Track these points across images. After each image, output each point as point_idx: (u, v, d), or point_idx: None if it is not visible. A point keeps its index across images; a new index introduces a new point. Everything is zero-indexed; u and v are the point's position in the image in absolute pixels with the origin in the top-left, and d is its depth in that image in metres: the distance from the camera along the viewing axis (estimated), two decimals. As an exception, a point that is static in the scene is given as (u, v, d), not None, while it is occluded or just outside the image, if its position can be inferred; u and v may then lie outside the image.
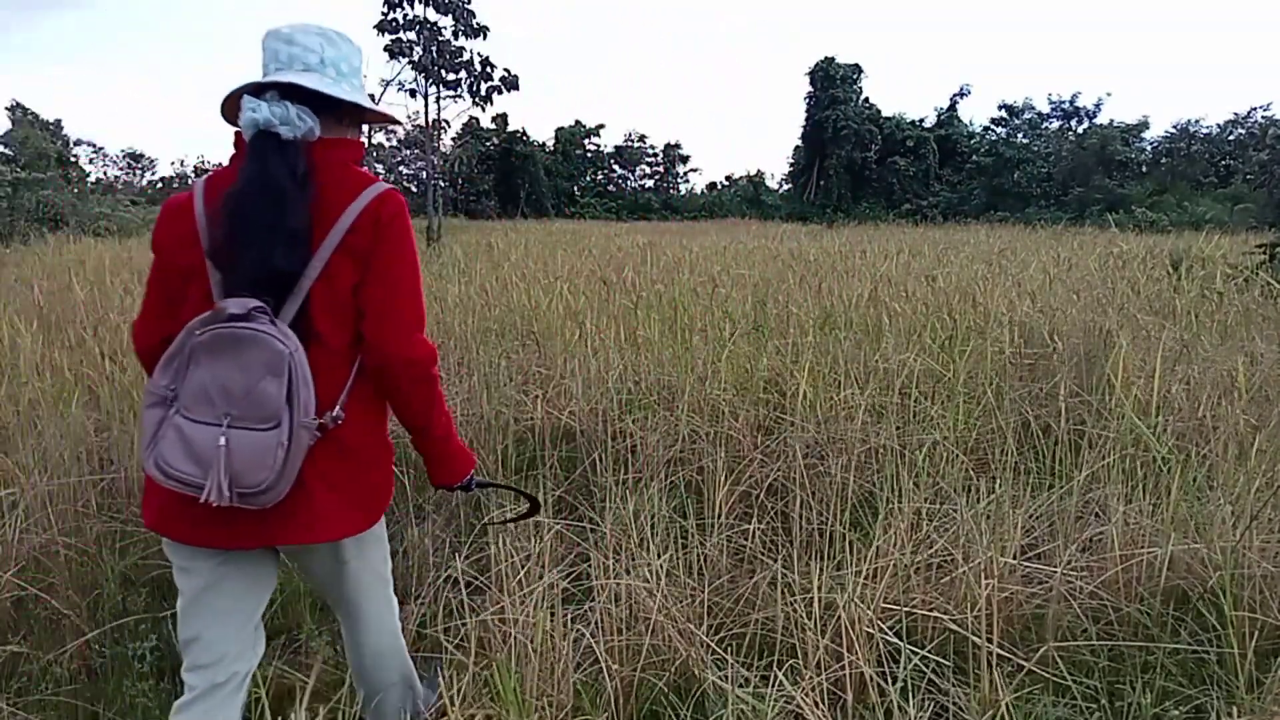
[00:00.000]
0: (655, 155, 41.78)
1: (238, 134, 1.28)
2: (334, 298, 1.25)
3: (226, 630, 1.33)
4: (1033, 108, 34.07)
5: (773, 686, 1.61)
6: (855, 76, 34.03)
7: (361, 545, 1.40)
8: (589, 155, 40.68)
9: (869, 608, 1.76)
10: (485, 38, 18.07)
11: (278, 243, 1.19)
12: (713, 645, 1.83)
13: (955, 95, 35.04)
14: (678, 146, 41.65)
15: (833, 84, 33.60)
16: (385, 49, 17.95)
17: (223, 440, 1.15)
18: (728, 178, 42.32)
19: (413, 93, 18.88)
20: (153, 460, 1.18)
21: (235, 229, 1.20)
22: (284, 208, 1.20)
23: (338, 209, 1.25)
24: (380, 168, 32.10)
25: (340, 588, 1.43)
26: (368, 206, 1.25)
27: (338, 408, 1.26)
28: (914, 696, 1.59)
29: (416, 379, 1.31)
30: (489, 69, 18.43)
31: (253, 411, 1.16)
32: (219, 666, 1.32)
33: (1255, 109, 28.23)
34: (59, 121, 26.11)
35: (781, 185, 40.40)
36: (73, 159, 25.98)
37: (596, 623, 1.83)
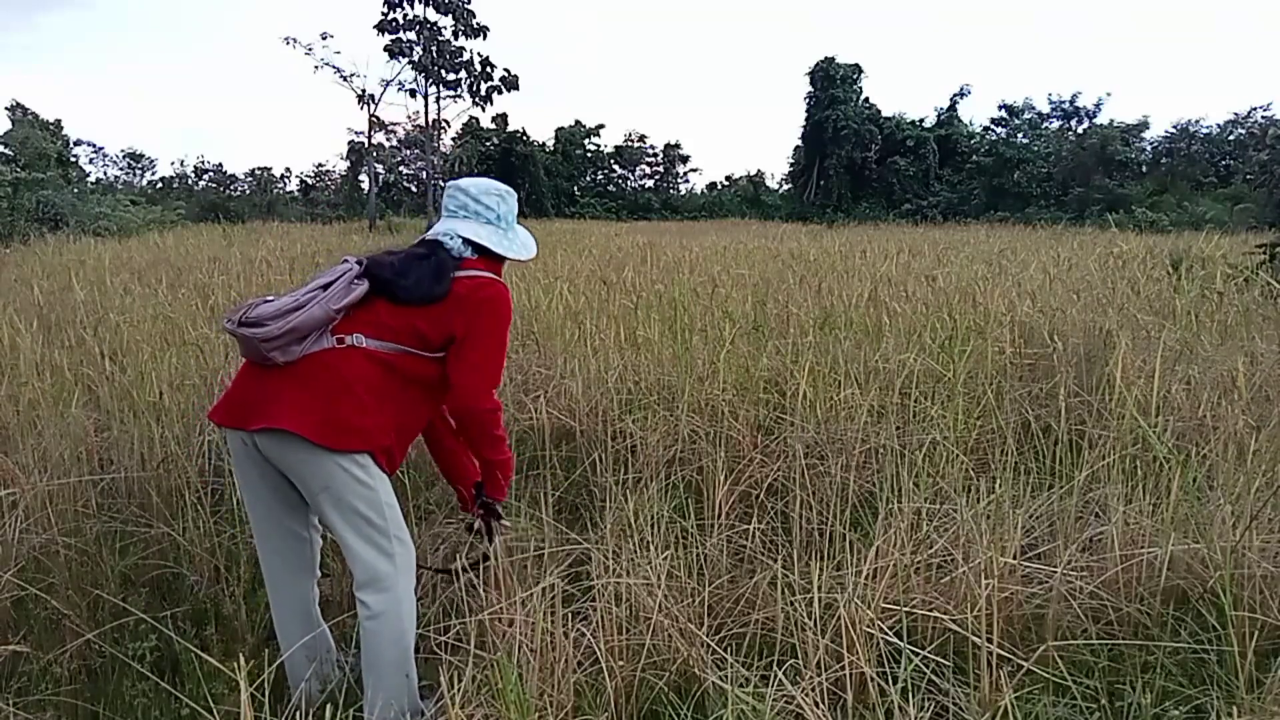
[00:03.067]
0: (655, 155, 41.74)
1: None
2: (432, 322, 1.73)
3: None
4: (1033, 108, 34.06)
5: (773, 686, 1.61)
6: (855, 76, 34.00)
7: (323, 470, 1.61)
8: (589, 155, 40.65)
9: (869, 608, 1.76)
10: (485, 38, 18.09)
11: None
12: (713, 645, 1.83)
13: (955, 95, 35.00)
14: (678, 146, 41.62)
15: (833, 84, 33.57)
16: (385, 49, 18.00)
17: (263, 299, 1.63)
18: (728, 178, 42.30)
19: (413, 93, 18.92)
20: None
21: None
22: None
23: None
24: (380, 168, 32.10)
25: (323, 512, 1.66)
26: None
27: (365, 341, 1.67)
28: (914, 696, 1.59)
29: (479, 427, 1.80)
30: (489, 69, 18.44)
31: (293, 290, 1.65)
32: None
33: (1255, 109, 28.19)
34: (59, 121, 26.03)
35: (781, 185, 40.38)
36: (73, 159, 25.96)
37: (597, 622, 1.83)
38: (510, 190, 1.92)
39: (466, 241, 1.79)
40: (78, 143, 32.68)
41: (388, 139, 30.05)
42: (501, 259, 1.88)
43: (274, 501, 1.72)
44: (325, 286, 1.64)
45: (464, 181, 1.88)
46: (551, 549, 2.15)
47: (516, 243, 1.90)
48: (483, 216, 1.84)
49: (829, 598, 1.81)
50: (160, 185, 36.92)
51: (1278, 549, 2.02)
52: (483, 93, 18.58)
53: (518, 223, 1.95)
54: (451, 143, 32.12)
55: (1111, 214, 21.90)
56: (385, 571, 1.68)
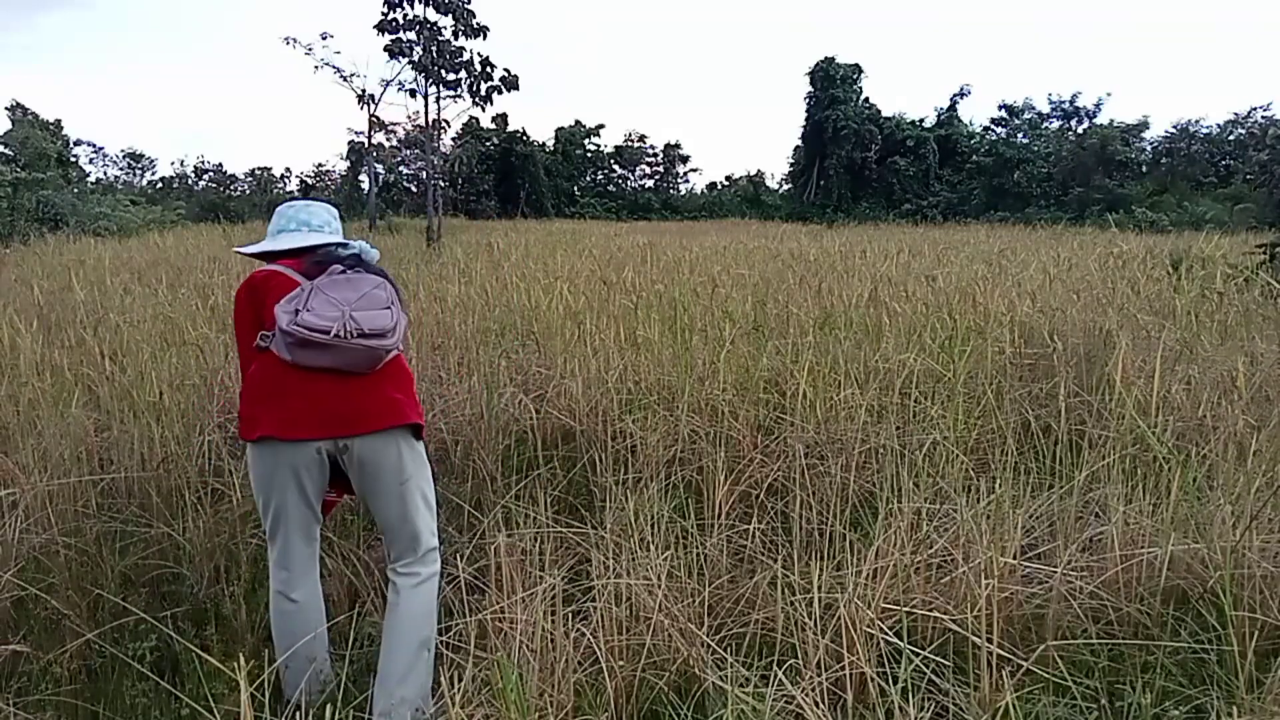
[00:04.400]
0: (655, 155, 41.72)
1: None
2: None
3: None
4: (1033, 108, 34.06)
5: (773, 686, 1.61)
6: (855, 76, 33.99)
7: (414, 456, 1.85)
8: (589, 155, 40.64)
9: (869, 608, 1.76)
10: (485, 38, 18.07)
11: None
12: (713, 645, 1.83)
13: (955, 95, 34.99)
14: (678, 146, 41.60)
15: (833, 84, 33.57)
16: (385, 49, 17.96)
17: (347, 310, 1.73)
18: (728, 178, 42.29)
19: (413, 93, 18.90)
20: (293, 324, 1.69)
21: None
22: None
23: None
24: (380, 168, 32.09)
25: (403, 499, 1.83)
26: None
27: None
28: (914, 696, 1.59)
29: None
30: (489, 69, 18.43)
31: (368, 304, 1.77)
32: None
33: (1255, 109, 28.16)
34: (59, 121, 26.01)
35: (781, 185, 40.37)
36: (73, 159, 25.95)
37: (597, 622, 1.83)
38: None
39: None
40: (78, 143, 32.67)
41: (388, 139, 29.98)
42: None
43: (313, 499, 1.85)
44: (392, 298, 1.82)
45: (302, 206, 2.06)
46: (552, 549, 2.15)
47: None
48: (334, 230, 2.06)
49: (829, 598, 1.81)
50: (160, 185, 36.91)
51: (1278, 549, 2.02)
52: (483, 93, 18.55)
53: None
54: (451, 143, 32.09)
55: (1111, 214, 21.90)
56: (434, 545, 1.92)
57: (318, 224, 2.02)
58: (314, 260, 1.89)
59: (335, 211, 2.11)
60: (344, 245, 1.96)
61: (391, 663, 1.77)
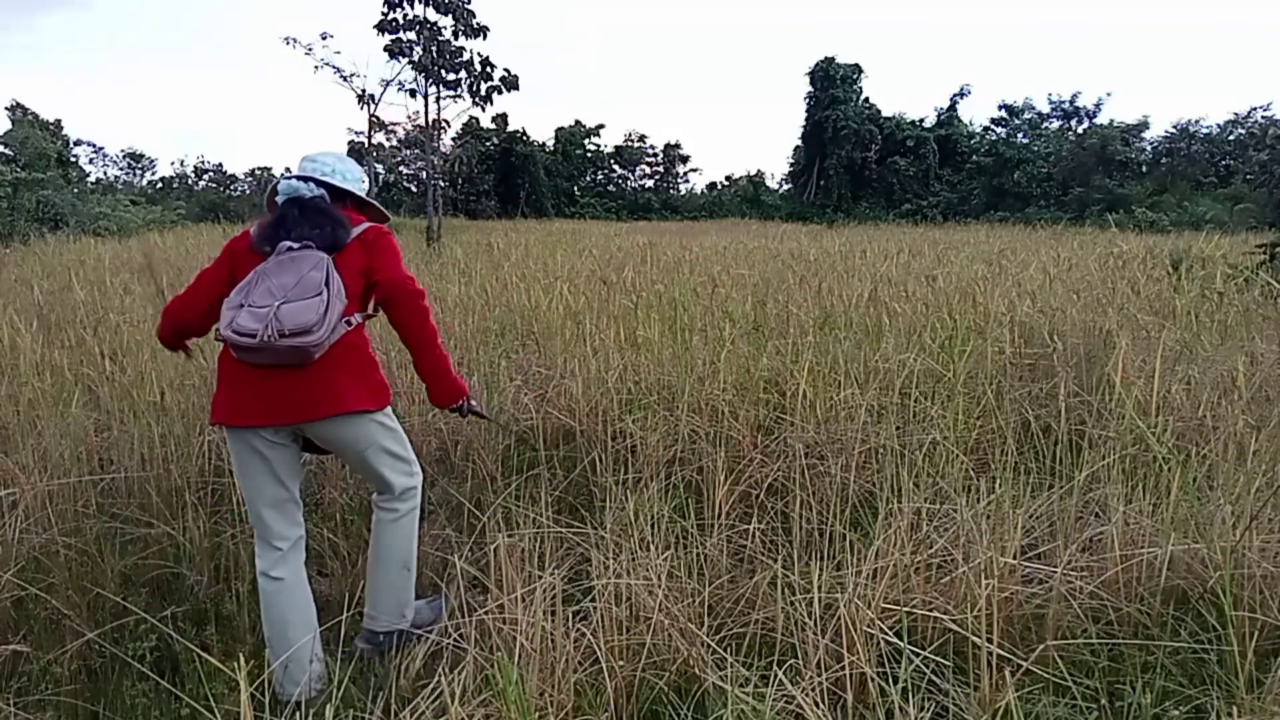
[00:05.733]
0: (655, 155, 41.72)
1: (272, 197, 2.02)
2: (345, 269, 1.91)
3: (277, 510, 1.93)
4: (1033, 108, 34.05)
5: (773, 686, 1.61)
6: (855, 76, 33.98)
7: (367, 430, 1.93)
8: (589, 155, 40.64)
9: (869, 608, 1.76)
10: (485, 38, 18.07)
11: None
12: (713, 645, 1.83)
13: (955, 95, 34.98)
14: (678, 146, 41.60)
15: (833, 84, 33.56)
16: (385, 49, 17.95)
17: (277, 306, 1.74)
18: (728, 178, 42.28)
19: (413, 93, 18.89)
20: (229, 329, 1.74)
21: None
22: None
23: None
24: (380, 168, 32.09)
25: (366, 461, 1.96)
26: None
27: (355, 318, 1.89)
28: (914, 696, 1.59)
29: (414, 301, 1.96)
30: (489, 69, 18.42)
31: (300, 292, 1.77)
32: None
33: (1255, 109, 28.12)
34: (59, 121, 26.03)
35: (781, 185, 40.37)
36: (73, 159, 25.96)
37: (597, 622, 1.83)
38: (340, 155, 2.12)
39: (335, 194, 2.01)
40: (78, 143, 32.68)
41: (388, 139, 29.98)
42: (365, 208, 2.10)
43: (285, 476, 1.93)
44: (326, 280, 1.81)
45: (317, 153, 2.09)
46: (551, 549, 2.15)
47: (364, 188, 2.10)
48: (339, 175, 2.06)
49: (829, 598, 1.81)
50: (160, 185, 36.90)
51: (1278, 549, 2.02)
52: (483, 93, 18.54)
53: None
54: (451, 143, 32.09)
55: (1111, 214, 21.88)
56: (411, 485, 2.04)
57: (317, 170, 2.04)
58: (275, 216, 1.94)
59: (350, 163, 2.11)
60: (307, 181, 1.98)
61: (375, 585, 2.02)
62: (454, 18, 17.76)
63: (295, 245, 1.85)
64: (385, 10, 17.64)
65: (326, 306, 1.76)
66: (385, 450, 1.98)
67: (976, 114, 51.39)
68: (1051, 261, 7.83)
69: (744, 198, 38.26)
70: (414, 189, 34.39)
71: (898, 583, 1.93)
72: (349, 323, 1.87)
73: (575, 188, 39.29)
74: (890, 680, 1.63)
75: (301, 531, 1.99)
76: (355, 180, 2.09)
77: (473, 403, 2.18)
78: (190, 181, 36.88)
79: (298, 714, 1.54)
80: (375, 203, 2.13)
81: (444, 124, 21.79)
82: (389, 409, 1.99)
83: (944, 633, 1.84)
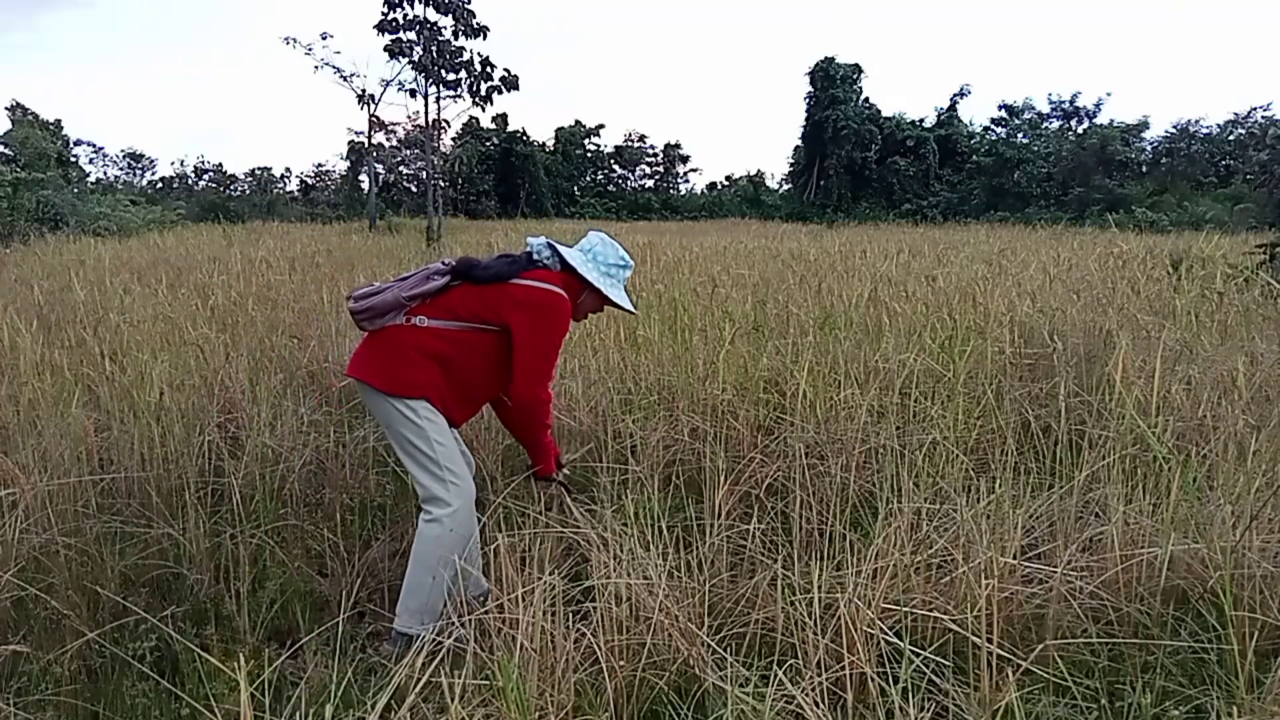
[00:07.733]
0: (655, 155, 41.75)
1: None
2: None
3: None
4: (1033, 108, 34.06)
5: (773, 686, 1.61)
6: (855, 76, 34.00)
7: (384, 409, 2.09)
8: (589, 155, 40.66)
9: (869, 608, 1.76)
10: (485, 38, 18.08)
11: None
12: (713, 645, 1.83)
13: (955, 95, 35.02)
14: (678, 146, 41.64)
15: (833, 84, 33.57)
16: (385, 49, 17.98)
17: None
18: (728, 178, 42.34)
19: (413, 93, 18.93)
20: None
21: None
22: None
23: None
24: (380, 168, 32.10)
25: (396, 449, 2.13)
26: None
27: (427, 320, 2.12)
28: (914, 696, 1.59)
29: (531, 412, 2.22)
30: (489, 69, 18.44)
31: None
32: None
33: (1255, 109, 28.15)
34: (59, 121, 26.08)
35: (781, 185, 40.40)
36: (73, 159, 26.00)
37: (597, 622, 1.83)
38: (621, 255, 2.32)
39: (555, 254, 2.21)
40: (78, 143, 32.71)
41: (388, 139, 30.02)
42: (584, 286, 2.24)
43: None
44: (405, 279, 2.14)
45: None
46: (551, 548, 2.15)
47: (606, 282, 2.24)
48: (590, 254, 2.27)
49: (829, 598, 1.81)
50: (160, 185, 36.94)
51: (1278, 549, 2.02)
52: (483, 93, 18.56)
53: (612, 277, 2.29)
54: (451, 143, 32.12)
55: (1111, 214, 21.89)
56: (440, 493, 2.07)
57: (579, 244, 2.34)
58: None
59: (606, 246, 2.32)
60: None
61: (405, 582, 2.09)
62: (454, 18, 17.78)
63: (441, 263, 2.19)
64: (385, 10, 17.66)
65: (375, 292, 2.10)
66: (409, 441, 2.08)
67: (976, 114, 51.52)
68: (1051, 261, 7.83)
69: (744, 198, 38.28)
70: (414, 189, 34.40)
71: (898, 583, 1.92)
72: (413, 320, 2.11)
73: (575, 188, 39.31)
74: (890, 680, 1.63)
75: (471, 461, 2.35)
76: (581, 259, 2.25)
77: (564, 472, 2.53)
78: (190, 181, 36.91)
79: (298, 714, 1.54)
80: (597, 283, 2.22)
81: (444, 124, 21.82)
82: (412, 403, 2.07)
83: (944, 633, 1.83)
